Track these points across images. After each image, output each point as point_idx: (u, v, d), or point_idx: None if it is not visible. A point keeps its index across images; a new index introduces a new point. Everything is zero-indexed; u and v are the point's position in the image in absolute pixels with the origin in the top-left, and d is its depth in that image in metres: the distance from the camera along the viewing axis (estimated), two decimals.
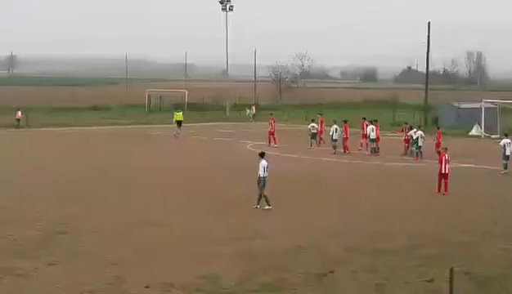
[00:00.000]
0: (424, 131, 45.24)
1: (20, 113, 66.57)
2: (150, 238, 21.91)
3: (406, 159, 43.21)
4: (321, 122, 51.87)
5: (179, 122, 58.98)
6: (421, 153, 43.50)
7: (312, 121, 51.49)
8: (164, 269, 18.52)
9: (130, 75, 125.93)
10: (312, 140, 49.63)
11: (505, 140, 38.68)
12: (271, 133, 51.38)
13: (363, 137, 48.47)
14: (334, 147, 46.38)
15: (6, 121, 65.79)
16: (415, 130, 44.87)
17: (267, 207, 26.64)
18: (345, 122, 48.25)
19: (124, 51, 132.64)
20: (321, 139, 50.03)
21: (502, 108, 63.48)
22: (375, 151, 45.87)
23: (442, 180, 30.79)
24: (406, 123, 48.52)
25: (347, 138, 47.23)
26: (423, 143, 43.83)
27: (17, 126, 64.59)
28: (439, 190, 30.65)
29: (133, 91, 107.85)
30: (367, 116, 52.41)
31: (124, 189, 31.61)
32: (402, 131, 47.47)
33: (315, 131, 49.92)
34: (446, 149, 31.92)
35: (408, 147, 45.17)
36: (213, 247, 20.90)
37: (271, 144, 50.07)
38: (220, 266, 18.73)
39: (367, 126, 47.48)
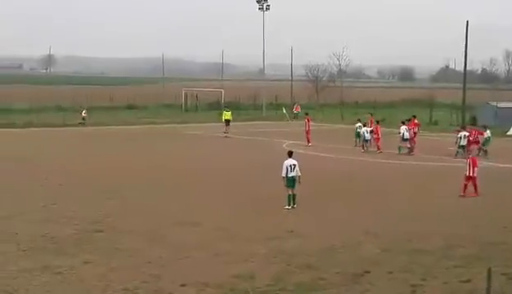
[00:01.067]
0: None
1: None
2: (186, 238, 22.01)
3: (442, 159, 42.85)
4: (371, 122, 50.77)
5: (227, 121, 59.16)
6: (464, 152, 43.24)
7: (359, 120, 51.47)
8: (199, 268, 18.59)
9: (166, 74, 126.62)
10: (357, 140, 49.75)
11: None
12: (308, 132, 51.37)
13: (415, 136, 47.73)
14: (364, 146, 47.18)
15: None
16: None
17: (286, 207, 26.66)
18: (377, 122, 48.72)
19: (161, 50, 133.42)
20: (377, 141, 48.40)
21: None
22: (410, 151, 45.67)
23: (470, 183, 29.95)
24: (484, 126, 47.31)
25: (378, 138, 47.34)
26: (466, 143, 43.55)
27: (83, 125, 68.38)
28: (464, 193, 29.72)
29: (170, 91, 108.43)
30: (403, 116, 52.16)
31: (161, 189, 31.78)
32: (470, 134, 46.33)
33: (360, 130, 49.29)
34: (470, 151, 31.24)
35: (479, 148, 44.54)
36: (247, 246, 20.93)
37: (309, 143, 50.01)
38: (254, 266, 18.75)
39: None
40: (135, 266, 18.71)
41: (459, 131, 44.91)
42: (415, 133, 47.13)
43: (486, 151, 44.27)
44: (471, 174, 29.88)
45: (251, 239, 21.84)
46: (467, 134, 44.02)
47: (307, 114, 54.19)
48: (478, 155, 43.15)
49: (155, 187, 32.12)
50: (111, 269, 18.39)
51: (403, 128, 46.23)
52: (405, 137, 46.02)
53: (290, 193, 26.89)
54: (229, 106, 70.47)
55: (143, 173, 36.52)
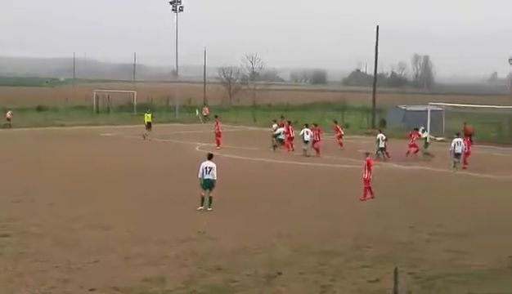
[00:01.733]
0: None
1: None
2: (96, 241, 21.66)
3: (351, 161, 43.51)
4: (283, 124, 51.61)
5: (149, 124, 58.65)
6: (386, 154, 44.75)
7: (274, 122, 52.50)
8: (109, 272, 18.30)
9: (78, 75, 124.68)
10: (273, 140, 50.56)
11: (455, 140, 40.75)
12: (218, 135, 51.46)
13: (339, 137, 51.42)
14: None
15: None
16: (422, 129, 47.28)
17: (199, 208, 26.73)
18: (289, 122, 50.72)
19: (73, 50, 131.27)
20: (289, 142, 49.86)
21: (447, 111, 64.39)
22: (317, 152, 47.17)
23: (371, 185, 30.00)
24: (416, 129, 48.82)
25: (291, 138, 48.92)
26: (384, 145, 44.55)
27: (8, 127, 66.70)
28: (365, 197, 29.73)
29: (81, 92, 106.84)
30: (316, 118, 53.12)
31: (73, 191, 31.23)
32: (411, 136, 47.63)
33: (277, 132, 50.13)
34: (367, 154, 31.05)
35: (417, 150, 46.15)
36: (158, 249, 20.74)
37: (218, 145, 50.05)
38: (165, 269, 18.60)
39: (301, 129, 48.96)
40: (42, 271, 18.30)
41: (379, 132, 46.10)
42: (318, 137, 48.22)
43: (428, 153, 45.23)
44: (366, 176, 29.89)
45: (162, 242, 21.66)
46: (384, 136, 45.07)
47: (216, 117, 54.32)
48: (423, 159, 44.88)
49: (67, 189, 31.55)
50: (18, 275, 17.94)
51: (304, 131, 47.67)
52: (305, 139, 47.23)
53: (204, 194, 26.91)
54: (150, 108, 69.93)
55: (56, 175, 35.85)
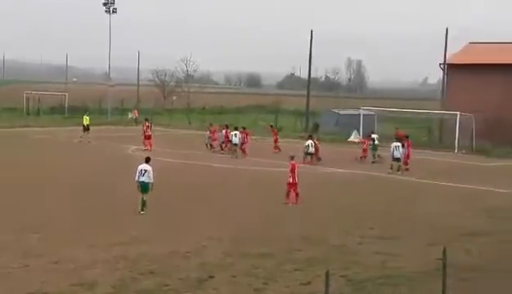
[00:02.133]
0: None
1: None
2: (26, 245, 21.27)
3: (285, 164, 43.68)
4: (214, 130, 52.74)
5: (87, 126, 57.61)
6: (318, 158, 45.44)
7: (211, 125, 53.72)
8: (39, 276, 17.96)
9: (8, 77, 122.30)
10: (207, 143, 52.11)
11: (394, 144, 41.52)
12: (147, 137, 51.35)
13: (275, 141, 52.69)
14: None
15: None
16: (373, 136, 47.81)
17: (141, 212, 26.62)
18: (226, 126, 51.77)
19: (2, 51, 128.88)
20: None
21: (379, 115, 65.27)
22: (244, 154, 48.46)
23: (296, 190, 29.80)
24: (371, 133, 49.65)
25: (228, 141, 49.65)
26: (312, 149, 44.97)
27: None
28: (288, 200, 29.51)
29: (10, 94, 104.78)
30: (249, 121, 53.40)
31: (6, 193, 30.64)
32: (364, 142, 48.41)
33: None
34: (292, 157, 30.88)
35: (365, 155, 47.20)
36: (90, 253, 20.46)
37: (147, 147, 49.82)
38: (97, 273, 18.34)
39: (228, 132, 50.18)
40: None
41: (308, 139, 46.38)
42: (245, 139, 49.56)
43: (379, 156, 46.27)
44: (291, 180, 29.70)
45: (94, 245, 21.38)
46: (313, 142, 45.44)
47: (146, 120, 54.11)
48: (373, 162, 45.69)
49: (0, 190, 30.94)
50: None
51: (233, 133, 48.91)
52: (233, 142, 48.44)
53: (142, 197, 26.73)
54: (89, 111, 68.70)
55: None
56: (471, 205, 31.04)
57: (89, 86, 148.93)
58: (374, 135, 48.52)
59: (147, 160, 27.76)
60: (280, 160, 44.96)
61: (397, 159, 41.08)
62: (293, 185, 29.70)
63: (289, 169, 30.07)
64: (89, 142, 55.05)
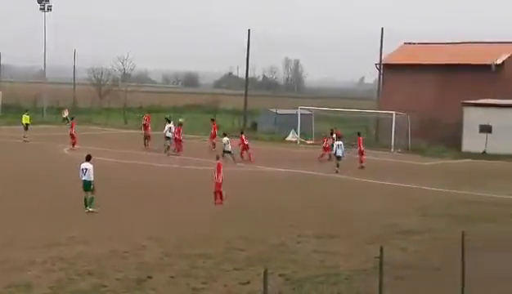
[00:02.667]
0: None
1: None
2: None
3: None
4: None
5: (27, 125, 56.41)
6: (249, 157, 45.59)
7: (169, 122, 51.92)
8: None
9: None
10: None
11: (337, 143, 42.49)
12: (72, 136, 50.91)
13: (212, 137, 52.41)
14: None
15: None
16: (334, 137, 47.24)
17: (87, 210, 26.64)
18: (180, 124, 50.91)
19: None
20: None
21: (316, 114, 65.80)
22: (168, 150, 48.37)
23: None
24: (331, 133, 49.30)
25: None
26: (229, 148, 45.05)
27: None
28: (216, 201, 29.28)
29: None
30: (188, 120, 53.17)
31: None
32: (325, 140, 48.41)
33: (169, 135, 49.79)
34: (218, 157, 30.81)
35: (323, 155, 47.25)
36: (25, 254, 20.13)
37: (73, 146, 49.69)
38: (32, 274, 18.07)
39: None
40: None
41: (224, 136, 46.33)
42: (178, 135, 49.03)
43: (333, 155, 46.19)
44: (217, 180, 29.34)
45: (30, 246, 21.06)
46: (229, 139, 45.50)
47: (72, 119, 53.79)
48: (328, 159, 45.73)
49: None
50: None
51: (167, 127, 48.84)
52: (167, 135, 48.43)
53: (85, 196, 26.79)
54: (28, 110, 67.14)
55: None
56: (406, 203, 31.55)
57: (24, 85, 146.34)
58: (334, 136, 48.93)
59: (88, 158, 27.56)
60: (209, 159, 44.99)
61: (339, 158, 41.72)
62: (219, 185, 29.34)
63: (215, 169, 29.67)
64: (27, 141, 53.99)
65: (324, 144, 48.07)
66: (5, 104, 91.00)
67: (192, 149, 49.65)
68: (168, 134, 48.50)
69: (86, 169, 27.04)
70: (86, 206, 26.78)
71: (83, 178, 27.02)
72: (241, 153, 45.76)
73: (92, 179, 26.92)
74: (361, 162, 43.91)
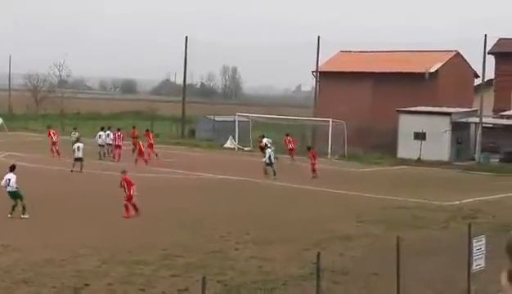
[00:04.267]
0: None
1: None
2: None
3: (160, 171, 43.60)
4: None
5: None
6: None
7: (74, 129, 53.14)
8: None
9: None
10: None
11: (268, 150, 43.56)
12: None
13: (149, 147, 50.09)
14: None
15: None
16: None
17: (9, 215, 26.59)
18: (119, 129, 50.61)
19: None
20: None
21: (254, 121, 66.09)
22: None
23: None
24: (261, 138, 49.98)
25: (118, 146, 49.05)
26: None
27: None
28: (128, 214, 28.10)
29: None
30: (126, 126, 52.78)
31: None
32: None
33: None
34: (123, 172, 29.74)
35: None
36: None
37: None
38: None
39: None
40: None
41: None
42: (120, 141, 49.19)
43: (276, 158, 46.45)
44: (129, 193, 28.32)
45: None
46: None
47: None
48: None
49: None
50: None
51: (98, 134, 49.34)
52: (99, 143, 48.77)
53: (14, 204, 26.83)
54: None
55: None
56: (344, 209, 31.91)
57: None
58: (266, 140, 49.47)
59: (12, 168, 27.61)
60: (158, 166, 44.88)
61: (271, 164, 42.12)
62: (129, 198, 28.41)
63: (123, 183, 28.74)
64: None
65: (313, 161, 45.03)
66: None
67: (129, 156, 49.31)
68: (100, 141, 48.61)
69: (9, 179, 27.06)
70: (11, 212, 26.63)
71: (8, 189, 26.92)
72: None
73: (15, 189, 26.84)
74: (314, 171, 43.88)
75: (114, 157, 48.18)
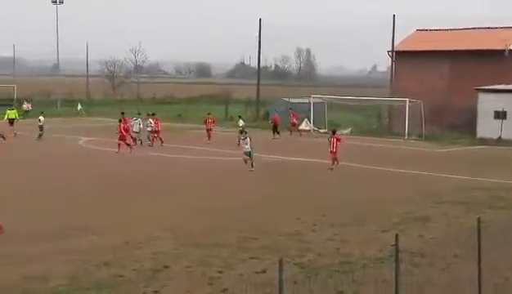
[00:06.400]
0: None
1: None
2: None
3: (232, 154, 43.72)
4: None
5: (11, 121, 55.71)
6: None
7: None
8: None
9: None
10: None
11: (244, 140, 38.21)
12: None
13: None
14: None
15: None
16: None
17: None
18: (153, 114, 50.52)
19: None
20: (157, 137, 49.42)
21: (329, 103, 65.75)
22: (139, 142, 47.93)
23: None
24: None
25: (159, 131, 48.92)
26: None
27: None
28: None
29: None
30: (201, 111, 52.99)
31: None
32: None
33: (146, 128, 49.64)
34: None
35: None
36: (40, 245, 20.20)
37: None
38: (48, 265, 18.13)
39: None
40: None
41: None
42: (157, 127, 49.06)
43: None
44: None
45: (43, 239, 21.11)
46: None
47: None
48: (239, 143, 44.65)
49: None
50: None
51: (137, 121, 48.97)
52: (134, 130, 48.15)
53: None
54: (12, 104, 66.26)
55: None
56: (420, 190, 31.41)
57: (38, 78, 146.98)
58: (240, 122, 50.18)
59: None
60: (232, 148, 45.05)
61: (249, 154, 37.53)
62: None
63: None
64: (6, 137, 52.14)
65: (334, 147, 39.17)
66: (19, 99, 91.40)
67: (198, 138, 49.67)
68: (136, 128, 48.52)
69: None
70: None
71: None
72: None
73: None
74: (333, 162, 38.05)
75: (153, 141, 48.31)
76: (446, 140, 53.53)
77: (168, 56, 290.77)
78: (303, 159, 41.71)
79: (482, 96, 56.29)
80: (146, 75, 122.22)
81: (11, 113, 56.29)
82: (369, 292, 15.87)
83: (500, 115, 54.45)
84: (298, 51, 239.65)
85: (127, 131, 46.07)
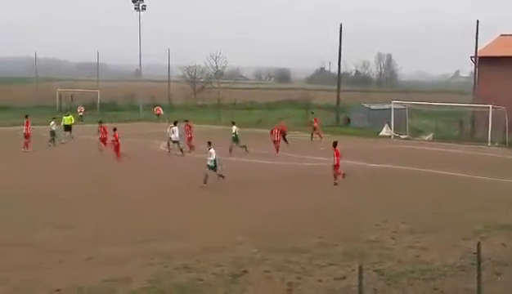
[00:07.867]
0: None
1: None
2: (56, 242, 21.51)
3: (312, 159, 43.61)
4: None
5: (67, 127, 55.52)
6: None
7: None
8: (73, 272, 18.17)
9: (40, 75, 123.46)
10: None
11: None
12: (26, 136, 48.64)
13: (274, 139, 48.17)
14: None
15: None
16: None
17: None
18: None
19: (33, 49, 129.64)
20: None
21: (410, 108, 65.03)
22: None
23: None
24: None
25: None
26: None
27: None
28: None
29: (43, 91, 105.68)
30: (279, 117, 52.87)
31: (39, 194, 30.94)
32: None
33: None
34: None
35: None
36: (123, 249, 20.63)
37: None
38: (131, 268, 18.50)
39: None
40: (4, 270, 18.11)
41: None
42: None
43: (231, 149, 45.91)
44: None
45: (125, 242, 21.54)
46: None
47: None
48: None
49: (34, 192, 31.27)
50: None
51: (174, 129, 45.92)
52: (173, 139, 45.78)
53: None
54: (69, 111, 65.89)
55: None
56: (503, 198, 30.75)
57: (120, 83, 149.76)
58: (234, 128, 47.52)
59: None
60: (311, 155, 44.95)
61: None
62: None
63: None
64: (64, 142, 52.48)
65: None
66: (102, 103, 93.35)
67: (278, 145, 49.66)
68: (174, 136, 45.66)
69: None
70: None
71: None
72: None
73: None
74: (337, 175, 34.26)
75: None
76: None
77: (248, 62, 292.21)
78: (384, 166, 41.26)
79: None
80: (227, 80, 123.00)
81: (67, 119, 56.70)
82: None
83: None
84: (379, 56, 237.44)
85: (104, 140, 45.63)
